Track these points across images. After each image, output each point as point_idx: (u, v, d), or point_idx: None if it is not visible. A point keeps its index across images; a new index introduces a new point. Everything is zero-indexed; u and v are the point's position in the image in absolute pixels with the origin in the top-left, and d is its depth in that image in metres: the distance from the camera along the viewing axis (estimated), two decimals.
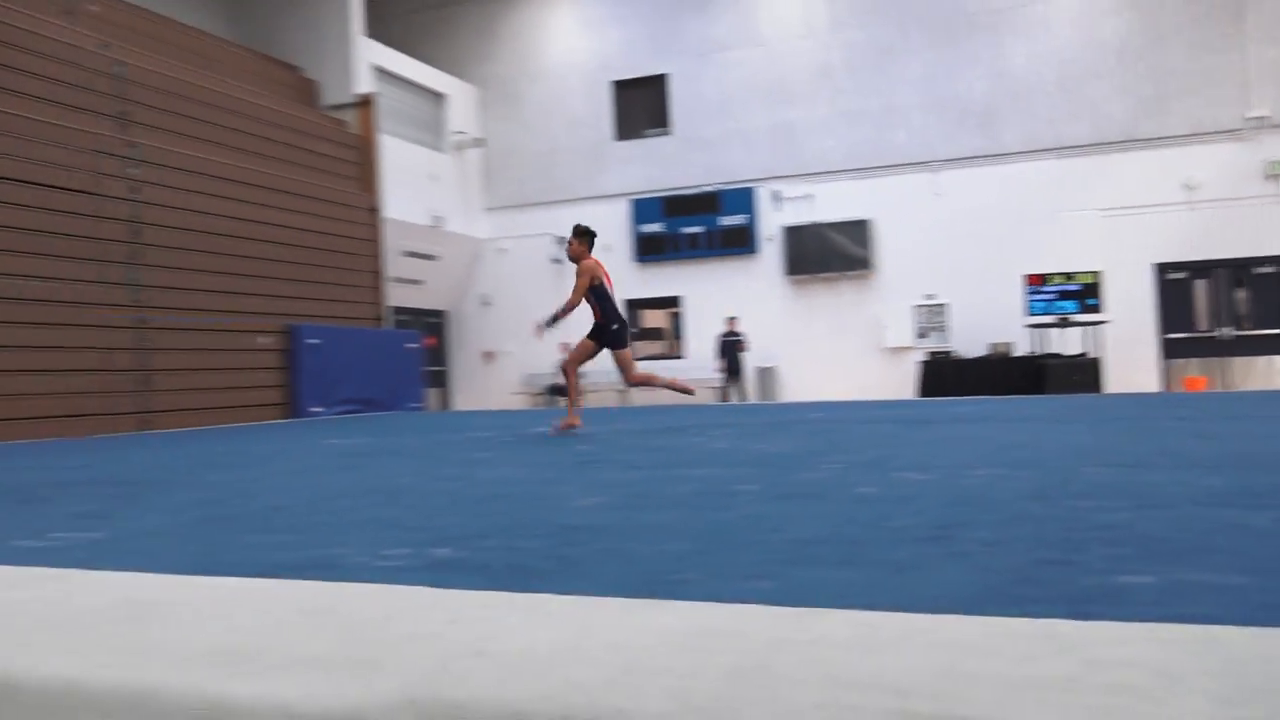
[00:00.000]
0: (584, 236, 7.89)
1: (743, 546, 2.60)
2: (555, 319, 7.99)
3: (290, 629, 1.77)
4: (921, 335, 17.32)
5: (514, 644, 1.63)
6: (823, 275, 17.90)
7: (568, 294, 7.87)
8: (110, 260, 11.25)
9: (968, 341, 16.61)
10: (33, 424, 10.17)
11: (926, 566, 2.26)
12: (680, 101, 19.02)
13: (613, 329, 7.83)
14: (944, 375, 15.71)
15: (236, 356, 12.86)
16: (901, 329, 17.47)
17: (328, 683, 1.49)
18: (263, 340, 13.29)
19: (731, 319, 17.25)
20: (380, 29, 18.69)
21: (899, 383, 16.89)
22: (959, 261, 16.89)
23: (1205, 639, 1.55)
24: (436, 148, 19.18)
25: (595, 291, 7.76)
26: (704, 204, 18.57)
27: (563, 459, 5.72)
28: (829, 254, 17.78)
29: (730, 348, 17.04)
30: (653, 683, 1.40)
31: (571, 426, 7.97)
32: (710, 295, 18.32)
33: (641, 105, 19.45)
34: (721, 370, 17.07)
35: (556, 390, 17.62)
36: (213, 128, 13.07)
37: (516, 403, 19.22)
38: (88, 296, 10.92)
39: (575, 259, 7.84)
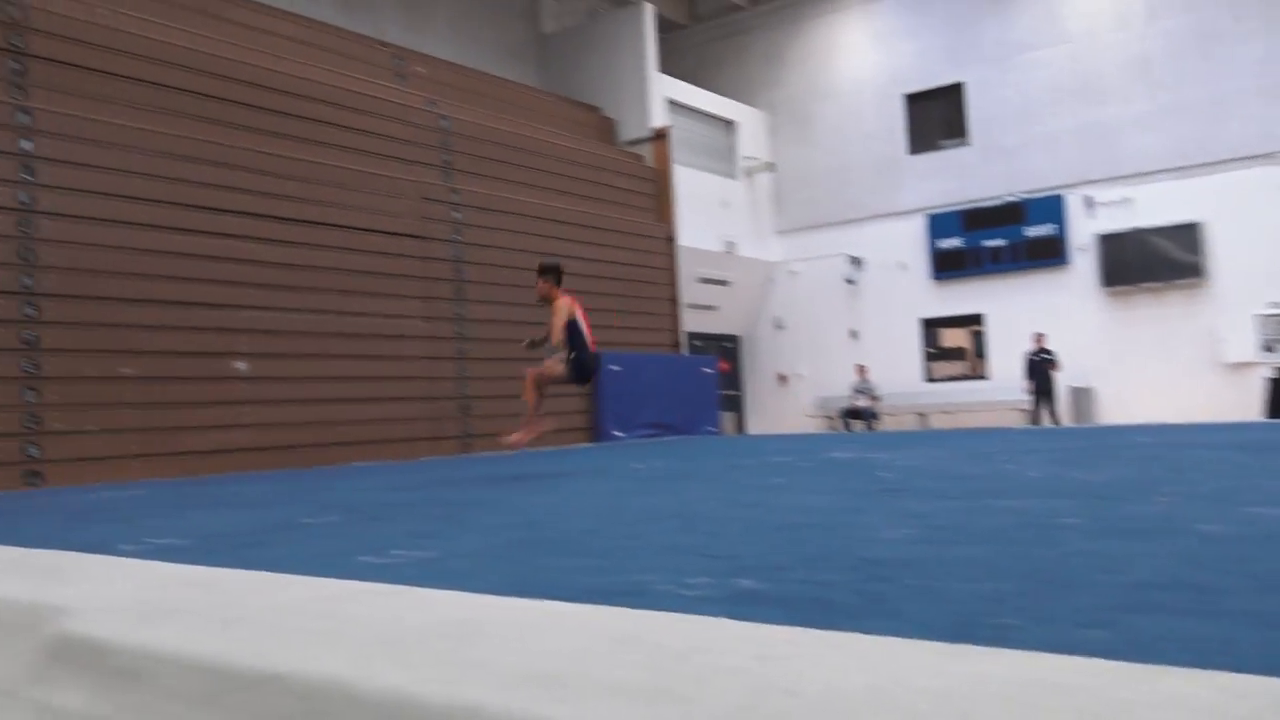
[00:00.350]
0: (549, 274, 7.52)
1: (1070, 589, 2.37)
2: (535, 344, 7.69)
3: (600, 656, 1.80)
4: (1268, 349, 15.37)
5: (826, 684, 1.56)
6: (1146, 285, 16.37)
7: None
8: (436, 297, 12.33)
9: None
10: (375, 447, 11.29)
11: None
12: (978, 109, 18.17)
13: (580, 360, 7.45)
14: None
15: None
16: (1243, 342, 15.59)
17: (639, 713, 1.49)
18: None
19: (1039, 335, 16.16)
20: (673, 63, 19.30)
21: (1239, 403, 15.08)
22: None
23: None
24: (728, 174, 19.48)
25: (570, 328, 7.40)
26: (1007, 215, 17.56)
27: (864, 486, 5.55)
28: (1153, 262, 16.23)
29: (1039, 367, 15.94)
30: None
31: (523, 441, 7.55)
32: (1015, 311, 17.26)
33: (936, 117, 18.77)
34: (1030, 391, 16.01)
35: (853, 414, 17.27)
36: (523, 170, 14.03)
37: (811, 425, 19.02)
38: (417, 331, 12.01)
39: (546, 299, 7.49)
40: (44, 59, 9.23)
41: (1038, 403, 15.96)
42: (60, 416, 8.81)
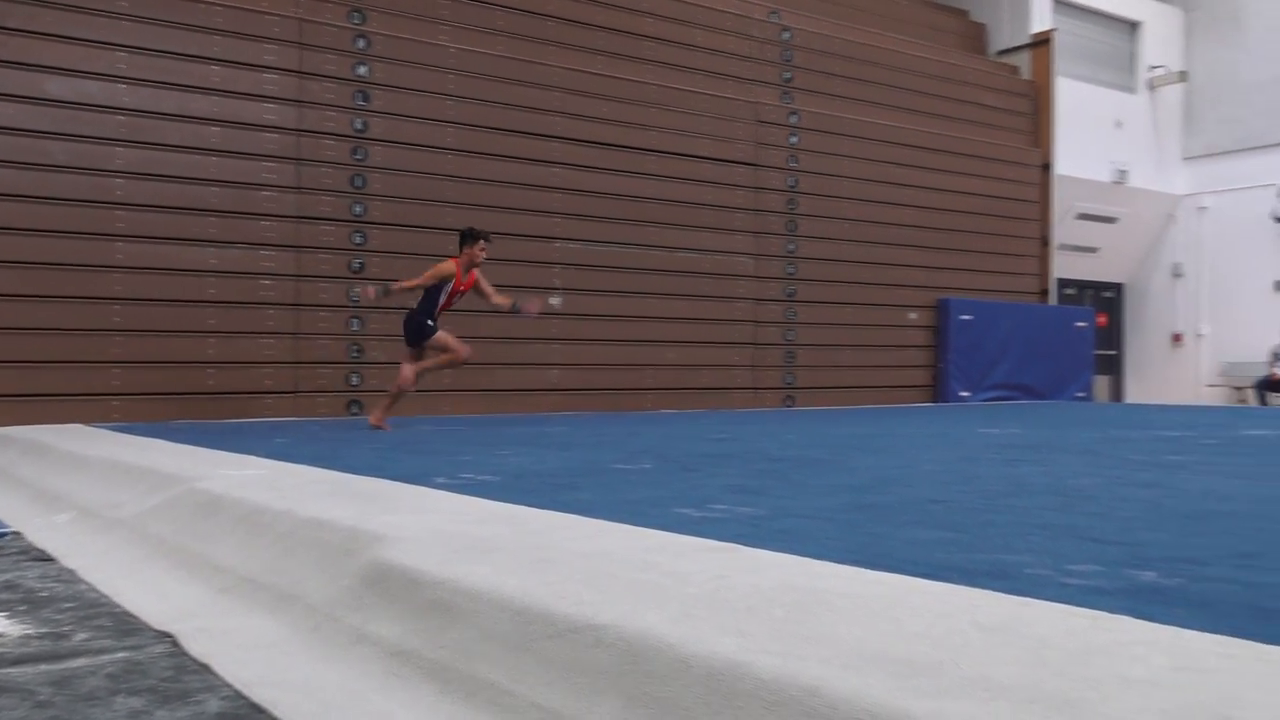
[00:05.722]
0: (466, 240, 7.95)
1: None
2: (388, 291, 7.84)
3: (967, 645, 1.67)
4: None
5: (1273, 712, 1.35)
6: None
7: None
8: (768, 232, 12.35)
9: None
10: (689, 395, 11.57)
11: None
12: None
13: (424, 323, 7.87)
14: None
15: (883, 332, 13.35)
16: None
17: (1017, 717, 1.35)
18: (913, 316, 13.62)
19: None
20: None
21: None
22: None
23: None
24: (1125, 88, 17.98)
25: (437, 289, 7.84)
26: None
27: None
28: None
29: None
30: None
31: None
32: None
33: None
34: None
35: (1272, 385, 15.55)
36: (870, 86, 13.66)
37: (1210, 396, 17.39)
38: (745, 270, 12.10)
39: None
40: None
41: None
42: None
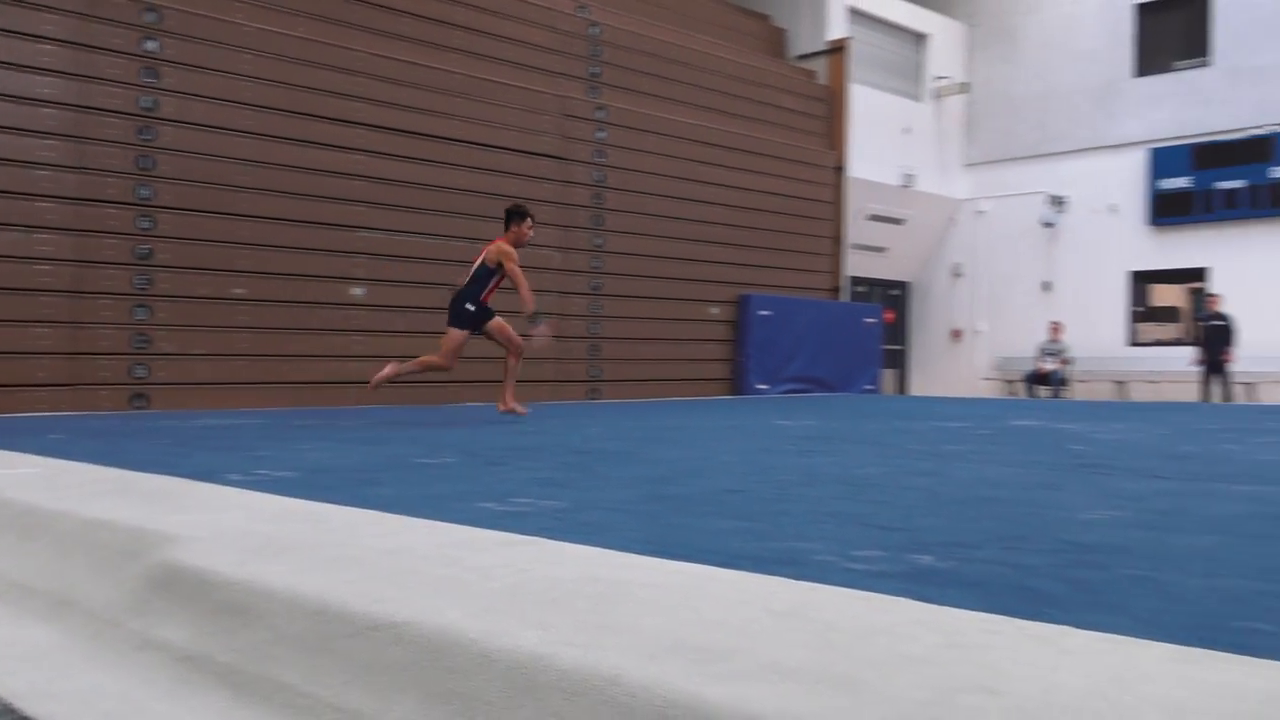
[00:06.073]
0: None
1: None
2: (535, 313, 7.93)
3: (761, 631, 1.74)
4: None
5: (1033, 684, 1.46)
6: None
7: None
8: (575, 226, 12.39)
9: None
10: (492, 388, 11.48)
11: None
12: (1226, 22, 16.90)
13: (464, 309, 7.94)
14: None
15: (686, 326, 13.62)
16: None
17: (806, 698, 1.42)
18: (715, 311, 13.96)
19: (1212, 298, 15.19)
20: None
21: None
22: None
23: None
24: (913, 96, 18.87)
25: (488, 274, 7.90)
26: (1250, 152, 16.39)
27: (1057, 460, 5.33)
28: None
29: (1213, 334, 14.98)
30: None
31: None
32: (1248, 268, 16.18)
33: (1174, 30, 17.57)
34: (1199, 362, 15.13)
35: (1039, 379, 16.66)
36: (676, 85, 13.90)
37: (986, 389, 18.48)
38: (551, 263, 12.11)
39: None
40: None
41: (1208, 376, 15.06)
42: (169, 337, 9.28)
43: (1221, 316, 15.08)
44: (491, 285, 7.88)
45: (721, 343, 14.15)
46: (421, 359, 8.04)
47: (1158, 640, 1.72)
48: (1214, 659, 1.62)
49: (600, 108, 12.74)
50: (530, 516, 3.17)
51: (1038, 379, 16.72)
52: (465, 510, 3.26)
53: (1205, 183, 16.79)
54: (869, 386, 15.90)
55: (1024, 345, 17.61)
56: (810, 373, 15.02)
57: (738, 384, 14.18)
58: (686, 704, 1.44)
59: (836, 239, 15.96)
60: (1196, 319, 15.39)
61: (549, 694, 1.58)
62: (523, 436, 6.70)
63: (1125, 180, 17.50)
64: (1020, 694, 1.43)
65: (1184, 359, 15.77)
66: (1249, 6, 16.69)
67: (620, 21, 13.41)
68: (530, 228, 8.03)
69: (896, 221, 18.36)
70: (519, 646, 1.68)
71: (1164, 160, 17.22)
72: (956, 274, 19.62)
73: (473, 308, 7.84)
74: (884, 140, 17.55)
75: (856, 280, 17.82)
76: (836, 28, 16.36)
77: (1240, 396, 15.45)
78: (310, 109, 10.23)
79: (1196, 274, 17.16)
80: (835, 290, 15.99)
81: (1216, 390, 15.16)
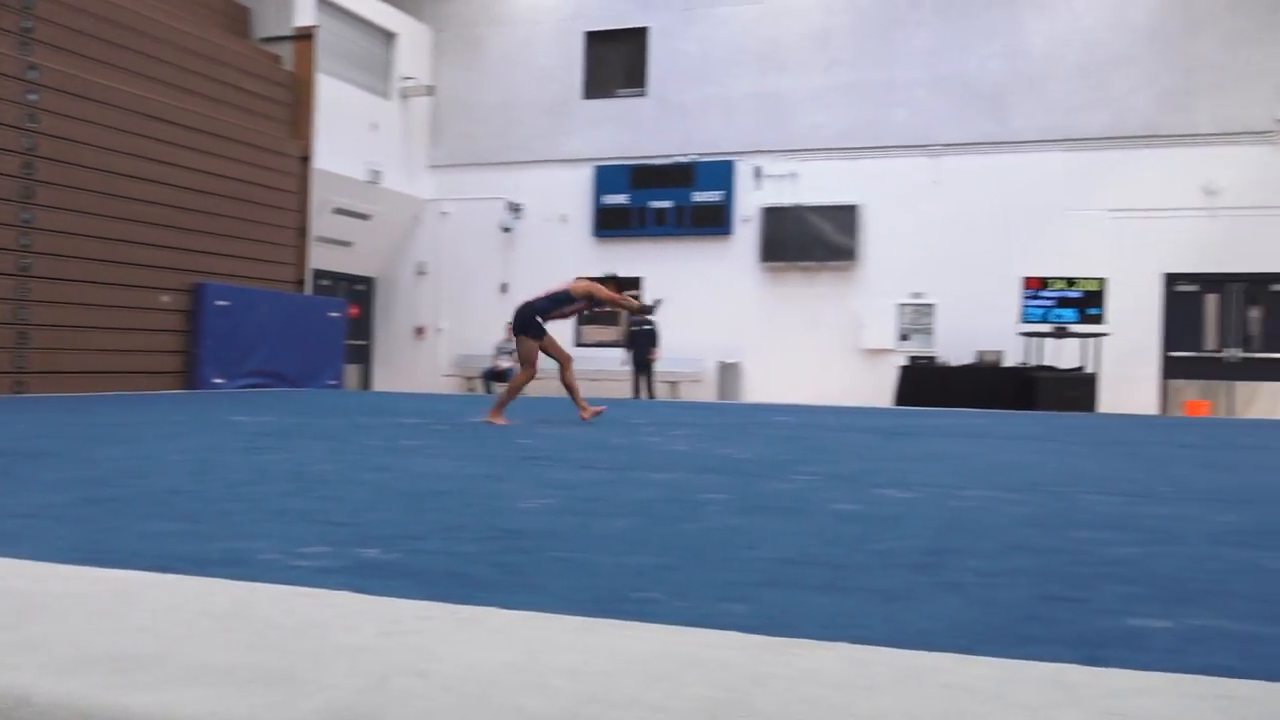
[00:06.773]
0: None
1: (713, 564, 2.57)
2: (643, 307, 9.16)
3: (193, 634, 1.71)
4: (904, 337, 17.43)
5: (458, 664, 1.59)
6: (801, 264, 17.95)
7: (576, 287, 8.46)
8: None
9: (954, 347, 16.72)
10: None
11: (918, 597, 2.25)
12: (659, 59, 18.92)
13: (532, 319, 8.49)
14: (925, 383, 15.81)
15: (133, 315, 12.58)
16: (883, 329, 17.56)
17: (239, 698, 1.43)
18: (166, 299, 13.03)
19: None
20: None
21: (875, 388, 17.00)
22: (952, 258, 16.99)
23: (1227, 695, 1.54)
24: (381, 93, 18.91)
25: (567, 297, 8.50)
26: (676, 176, 18.52)
27: (504, 453, 5.67)
28: (810, 240, 17.81)
29: (639, 338, 16.77)
30: (617, 716, 1.36)
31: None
32: (675, 278, 18.22)
33: (616, 61, 19.32)
34: (629, 363, 16.89)
35: (496, 376, 17.51)
36: (125, 52, 12.73)
37: (447, 386, 19.06)
38: None
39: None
40: None
41: (637, 375, 16.89)
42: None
43: (648, 321, 16.73)
44: (563, 311, 8.37)
45: (174, 333, 13.24)
46: (512, 383, 8.54)
47: (569, 614, 1.93)
48: (611, 626, 1.86)
49: (33, 67, 11.36)
50: None
51: (494, 376, 17.55)
52: None
53: (640, 200, 18.66)
54: (332, 382, 15.75)
55: (483, 344, 18.40)
56: (271, 367, 14.55)
57: (192, 378, 13.36)
58: (109, 715, 1.39)
59: (301, 230, 15.60)
60: (630, 324, 16.93)
61: None
62: None
63: (575, 193, 18.91)
64: (447, 673, 1.54)
65: (619, 359, 17.37)
66: (676, 49, 18.80)
67: None
68: (611, 299, 8.43)
69: (363, 217, 18.35)
70: None
71: (606, 177, 18.88)
72: (420, 272, 20.02)
73: (540, 319, 8.24)
74: (352, 134, 17.46)
75: (321, 274, 17.56)
76: (304, 14, 15.97)
77: (664, 394, 17.34)
78: None
79: (633, 282, 18.99)
80: (299, 283, 15.62)
81: (644, 387, 16.82)
